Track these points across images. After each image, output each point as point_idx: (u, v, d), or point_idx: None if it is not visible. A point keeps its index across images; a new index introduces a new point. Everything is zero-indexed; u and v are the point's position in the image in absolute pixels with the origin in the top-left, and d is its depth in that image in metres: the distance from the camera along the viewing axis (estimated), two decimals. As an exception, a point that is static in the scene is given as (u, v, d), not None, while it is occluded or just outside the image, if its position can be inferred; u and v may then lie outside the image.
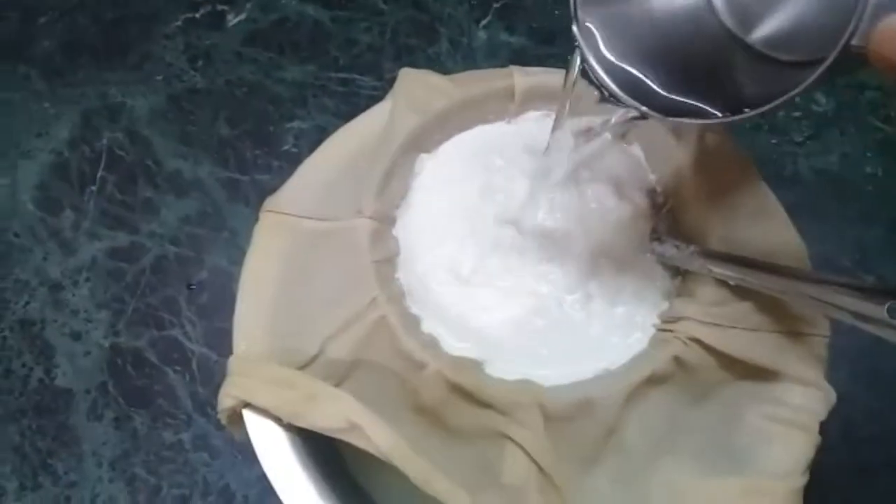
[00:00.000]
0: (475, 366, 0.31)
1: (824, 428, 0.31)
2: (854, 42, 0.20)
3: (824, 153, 0.54)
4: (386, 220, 0.35)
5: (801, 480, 0.29)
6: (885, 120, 0.55)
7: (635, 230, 0.35)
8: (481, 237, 0.35)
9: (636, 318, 0.33)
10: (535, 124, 0.38)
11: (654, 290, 0.34)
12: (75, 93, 0.58)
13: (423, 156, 0.37)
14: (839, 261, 0.51)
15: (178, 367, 0.49)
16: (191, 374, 0.48)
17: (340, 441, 0.29)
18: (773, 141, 0.55)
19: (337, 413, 0.29)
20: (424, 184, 0.37)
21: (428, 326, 0.33)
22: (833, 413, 0.31)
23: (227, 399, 0.30)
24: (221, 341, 0.32)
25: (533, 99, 0.37)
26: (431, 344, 0.31)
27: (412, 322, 0.32)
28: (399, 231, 0.35)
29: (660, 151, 0.36)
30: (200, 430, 0.47)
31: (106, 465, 0.46)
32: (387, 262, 0.34)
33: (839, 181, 0.54)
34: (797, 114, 0.56)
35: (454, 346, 0.32)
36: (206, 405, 0.47)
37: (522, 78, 0.37)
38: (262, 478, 0.30)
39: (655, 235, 0.35)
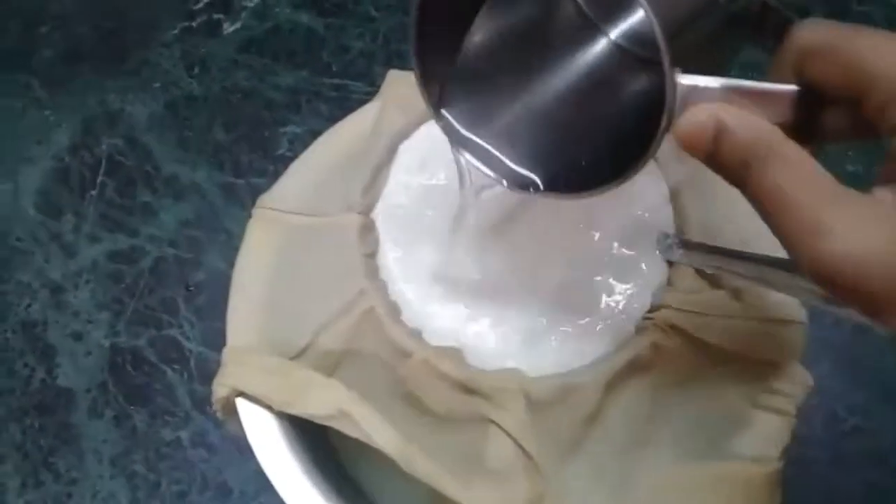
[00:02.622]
0: (459, 354, 0.31)
1: (805, 418, 0.31)
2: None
3: (806, 152, 0.55)
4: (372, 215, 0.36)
5: (778, 465, 0.30)
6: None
7: (643, 224, 0.35)
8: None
9: (628, 309, 0.33)
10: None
11: (648, 282, 0.34)
12: (75, 100, 0.59)
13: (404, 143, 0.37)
14: (823, 256, 0.51)
15: (176, 366, 0.50)
16: (189, 373, 0.49)
17: (334, 431, 0.30)
18: (757, 141, 0.55)
19: (327, 401, 0.29)
20: (402, 167, 0.36)
21: (409, 320, 0.33)
22: (815, 406, 0.32)
23: (220, 388, 0.31)
24: (218, 340, 0.33)
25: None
26: (416, 333, 0.32)
27: (398, 312, 0.33)
28: (378, 222, 0.35)
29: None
30: (198, 428, 0.48)
31: (106, 463, 0.47)
32: (373, 255, 0.34)
33: (822, 179, 0.54)
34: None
35: (436, 338, 0.32)
36: (204, 403, 0.48)
37: (505, 78, 0.38)
38: (259, 473, 0.31)
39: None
